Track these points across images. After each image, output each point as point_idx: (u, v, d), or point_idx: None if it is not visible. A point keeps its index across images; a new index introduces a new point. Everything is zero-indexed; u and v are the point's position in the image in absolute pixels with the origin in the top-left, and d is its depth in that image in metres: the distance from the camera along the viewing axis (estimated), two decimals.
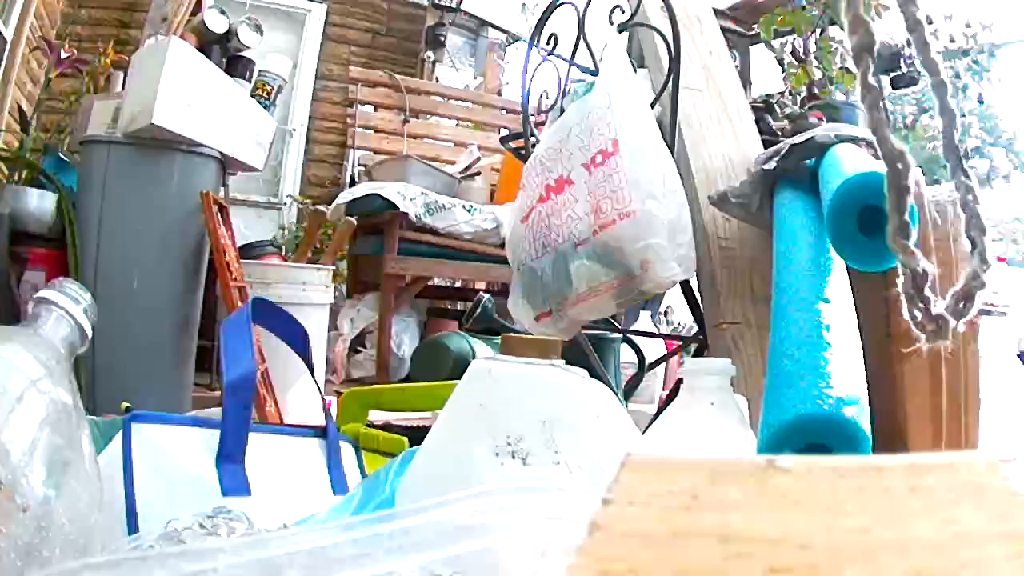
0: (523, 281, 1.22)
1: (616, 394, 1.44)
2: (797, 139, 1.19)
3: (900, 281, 0.84)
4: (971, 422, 1.48)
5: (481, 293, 3.25)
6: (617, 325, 1.56)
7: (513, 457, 0.60)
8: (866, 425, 0.62)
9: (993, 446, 1.55)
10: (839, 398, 0.62)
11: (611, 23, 1.51)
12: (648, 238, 0.99)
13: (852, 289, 0.87)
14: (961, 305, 0.74)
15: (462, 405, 0.67)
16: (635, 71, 1.56)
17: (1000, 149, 4.06)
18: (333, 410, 1.45)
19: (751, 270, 1.08)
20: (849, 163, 1.01)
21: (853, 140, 1.24)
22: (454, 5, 4.36)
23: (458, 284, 3.83)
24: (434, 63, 4.42)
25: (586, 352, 1.36)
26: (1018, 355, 1.84)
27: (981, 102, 4.00)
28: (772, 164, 1.13)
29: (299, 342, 1.03)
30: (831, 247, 0.87)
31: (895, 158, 0.73)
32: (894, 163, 0.74)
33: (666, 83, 1.30)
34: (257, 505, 0.78)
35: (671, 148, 1.17)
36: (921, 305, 0.72)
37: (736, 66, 2.02)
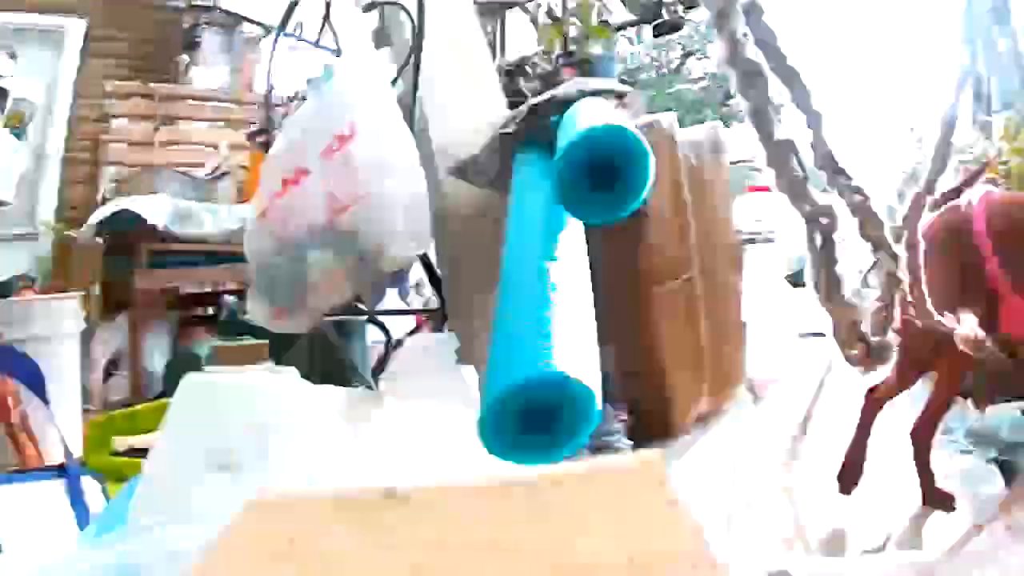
0: (260, 278, 1.16)
1: (364, 377, 1.40)
2: (538, 99, 1.19)
3: (829, 331, 0.85)
4: (735, 353, 1.55)
5: (225, 296, 3.17)
6: (361, 307, 1.53)
7: (226, 470, 0.56)
8: (592, 382, 0.61)
9: (761, 372, 1.64)
10: (560, 358, 0.61)
11: (357, 4, 1.47)
12: (382, 219, 0.95)
13: (601, 233, 0.87)
14: (884, 316, 0.76)
15: (175, 423, 0.63)
16: (378, 50, 1.52)
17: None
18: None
19: (492, 237, 1.07)
20: (584, 118, 1.00)
21: (599, 93, 1.24)
22: (210, 4, 4.16)
23: (208, 289, 3.69)
24: (188, 65, 4.22)
25: (331, 340, 1.32)
26: (785, 277, 1.95)
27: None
28: (511, 128, 1.12)
29: (33, 379, 1.03)
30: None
31: (820, 213, 0.73)
32: (817, 218, 0.73)
33: (408, 58, 1.27)
34: (7, 561, 0.76)
35: (411, 124, 1.14)
36: (861, 345, 0.73)
37: (489, 33, 2.02)
